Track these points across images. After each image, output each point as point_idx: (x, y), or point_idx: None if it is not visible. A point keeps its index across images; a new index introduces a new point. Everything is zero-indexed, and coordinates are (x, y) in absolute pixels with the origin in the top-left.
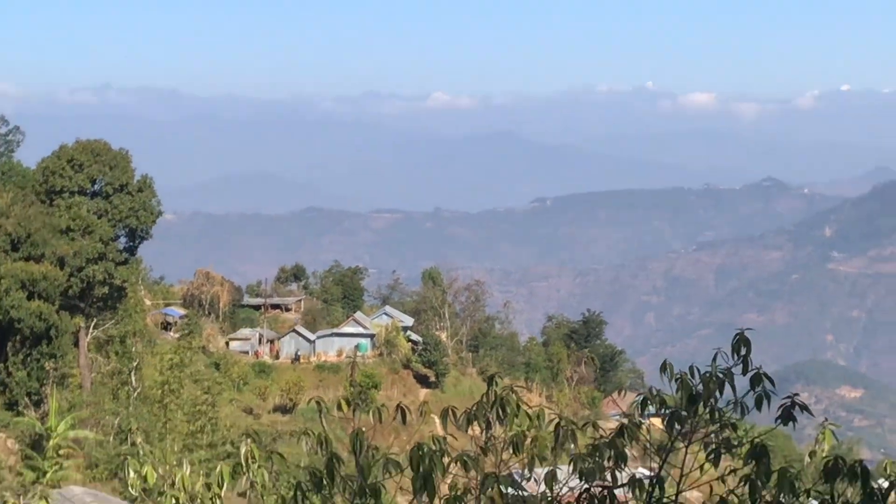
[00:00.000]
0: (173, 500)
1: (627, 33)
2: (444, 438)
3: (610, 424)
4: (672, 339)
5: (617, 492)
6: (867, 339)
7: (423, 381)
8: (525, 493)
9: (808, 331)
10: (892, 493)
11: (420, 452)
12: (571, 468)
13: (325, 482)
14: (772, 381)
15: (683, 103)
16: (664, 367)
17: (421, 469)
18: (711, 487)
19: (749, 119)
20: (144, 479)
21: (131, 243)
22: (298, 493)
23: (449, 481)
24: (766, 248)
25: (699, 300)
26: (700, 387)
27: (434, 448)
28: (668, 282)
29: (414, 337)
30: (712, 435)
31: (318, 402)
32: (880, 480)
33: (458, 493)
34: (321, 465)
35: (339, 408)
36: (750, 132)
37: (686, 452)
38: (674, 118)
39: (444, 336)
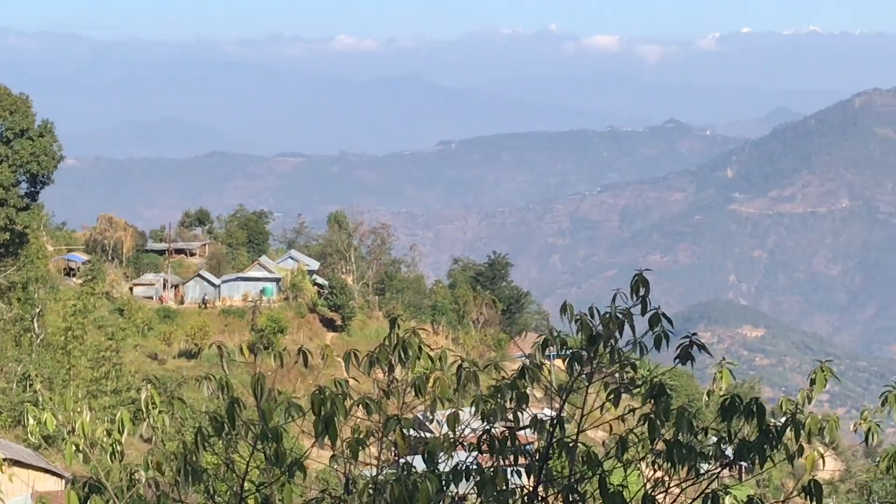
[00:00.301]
0: (73, 447)
1: None
2: (346, 381)
3: (515, 366)
4: (578, 280)
5: (520, 433)
6: (768, 279)
7: (329, 324)
8: (427, 435)
9: (711, 271)
10: (788, 430)
11: (321, 396)
12: (474, 410)
13: (226, 427)
14: (670, 322)
15: (587, 46)
16: (564, 309)
17: (322, 412)
18: (611, 427)
19: (652, 61)
20: (44, 426)
21: (32, 189)
22: (199, 438)
23: (352, 424)
24: (670, 189)
25: (604, 242)
26: (600, 328)
27: (336, 391)
28: (574, 224)
29: (320, 281)
30: (613, 375)
31: (219, 348)
32: (782, 418)
33: (361, 435)
34: (223, 410)
35: (242, 353)
36: (652, 74)
37: (587, 393)
38: (577, 61)
39: (350, 279)
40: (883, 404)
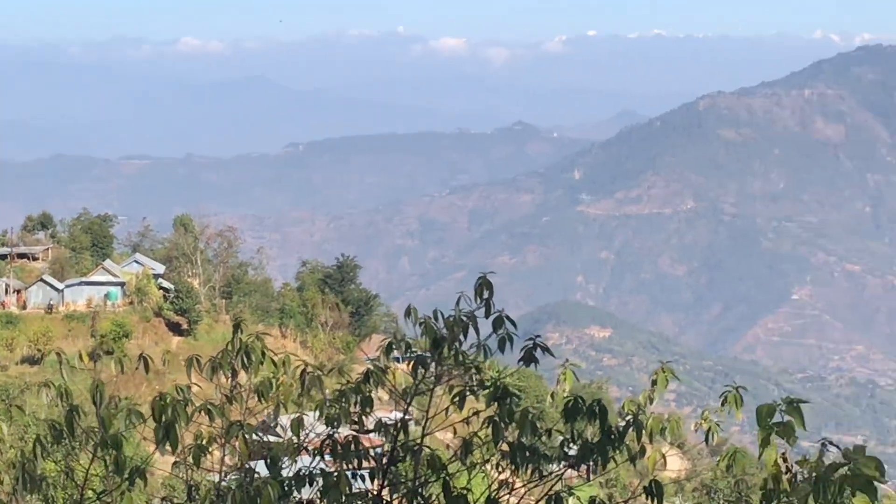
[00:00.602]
0: None
1: None
2: (189, 387)
3: (363, 369)
4: (427, 282)
5: (368, 436)
6: (615, 279)
7: (175, 328)
8: (271, 440)
9: (559, 272)
10: (631, 431)
11: (162, 402)
12: (318, 414)
13: (65, 435)
14: (514, 324)
15: (434, 48)
16: (408, 312)
17: (163, 419)
18: (455, 429)
19: (499, 64)
20: None
21: None
22: (38, 446)
23: (194, 430)
24: (518, 191)
25: (453, 243)
26: (444, 331)
27: (177, 397)
28: (423, 225)
29: (165, 284)
30: (459, 378)
31: (58, 354)
32: (628, 417)
33: (203, 441)
34: (62, 417)
35: (81, 359)
36: (500, 77)
37: (431, 396)
38: (425, 63)
39: (196, 283)
40: (723, 404)
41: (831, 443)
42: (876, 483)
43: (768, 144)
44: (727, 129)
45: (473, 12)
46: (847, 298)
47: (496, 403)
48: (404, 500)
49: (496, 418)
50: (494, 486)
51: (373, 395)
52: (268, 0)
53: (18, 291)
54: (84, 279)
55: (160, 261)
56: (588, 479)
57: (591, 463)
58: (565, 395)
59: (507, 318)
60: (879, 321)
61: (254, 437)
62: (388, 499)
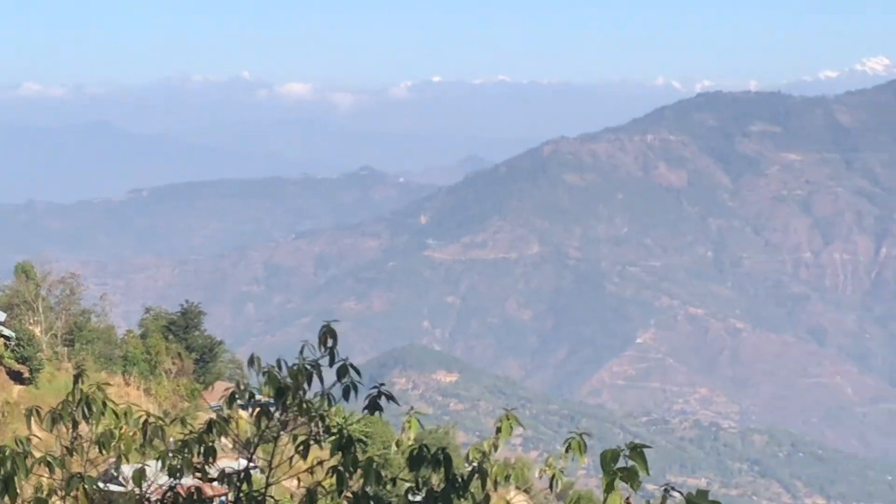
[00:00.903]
0: None
1: (223, 23)
2: (28, 439)
3: (207, 416)
4: (272, 327)
5: (214, 485)
6: (462, 324)
7: (17, 377)
8: (113, 491)
9: (406, 317)
10: (475, 478)
11: (1, 455)
12: (161, 464)
13: None
14: (358, 372)
15: (280, 93)
16: (252, 361)
17: (2, 472)
18: (300, 479)
19: (345, 109)
20: None
21: None
22: None
23: (34, 483)
24: (364, 236)
25: (299, 289)
26: (288, 379)
27: (17, 449)
28: (268, 271)
29: (6, 332)
30: (304, 426)
31: None
32: (473, 464)
33: (44, 494)
34: None
35: None
36: (346, 122)
37: (276, 444)
38: (271, 108)
39: (37, 331)
40: (567, 451)
41: (674, 488)
42: None
43: (612, 189)
44: (571, 175)
45: (319, 58)
46: (690, 342)
47: (341, 452)
48: None
49: (340, 468)
50: None
51: (217, 443)
52: (110, 45)
53: None
54: None
55: (1, 308)
56: None
57: None
58: (410, 442)
59: (352, 366)
60: (722, 364)
61: (95, 488)
62: None
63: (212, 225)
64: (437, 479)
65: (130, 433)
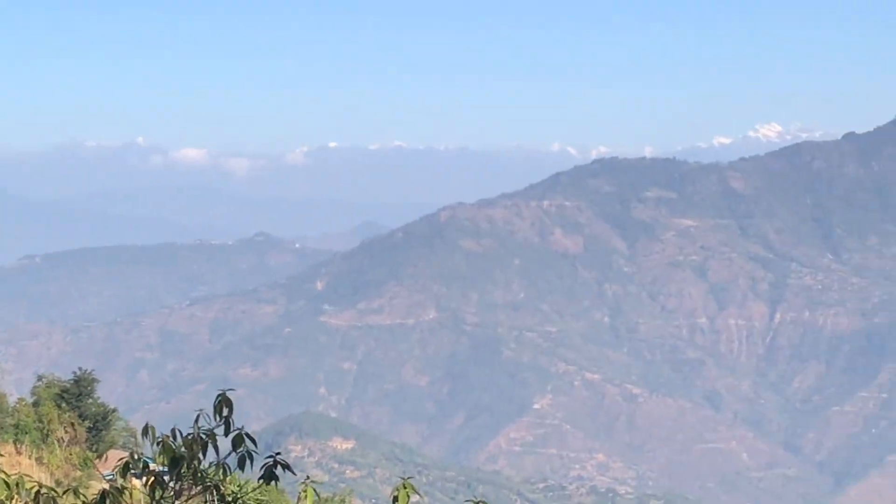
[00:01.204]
0: None
1: (116, 88)
2: None
3: (101, 486)
4: (167, 395)
5: None
6: (358, 390)
7: None
8: None
9: (302, 383)
10: None
11: None
12: None
13: None
14: (253, 441)
15: (175, 158)
16: (146, 431)
17: None
18: None
19: (241, 174)
20: None
21: None
22: None
23: None
24: (260, 302)
25: (194, 355)
26: (183, 449)
27: None
28: (163, 337)
29: None
30: (199, 495)
31: None
32: None
33: None
34: None
35: None
36: (242, 187)
37: None
38: (166, 173)
39: None
40: None
41: None
42: None
43: (509, 255)
44: (468, 240)
45: (214, 123)
46: (587, 407)
47: None
48: None
49: None
50: None
51: None
52: (1, 110)
53: None
54: None
55: None
56: None
57: None
58: None
59: (247, 435)
60: (618, 429)
61: None
62: None
63: (105, 291)
64: None
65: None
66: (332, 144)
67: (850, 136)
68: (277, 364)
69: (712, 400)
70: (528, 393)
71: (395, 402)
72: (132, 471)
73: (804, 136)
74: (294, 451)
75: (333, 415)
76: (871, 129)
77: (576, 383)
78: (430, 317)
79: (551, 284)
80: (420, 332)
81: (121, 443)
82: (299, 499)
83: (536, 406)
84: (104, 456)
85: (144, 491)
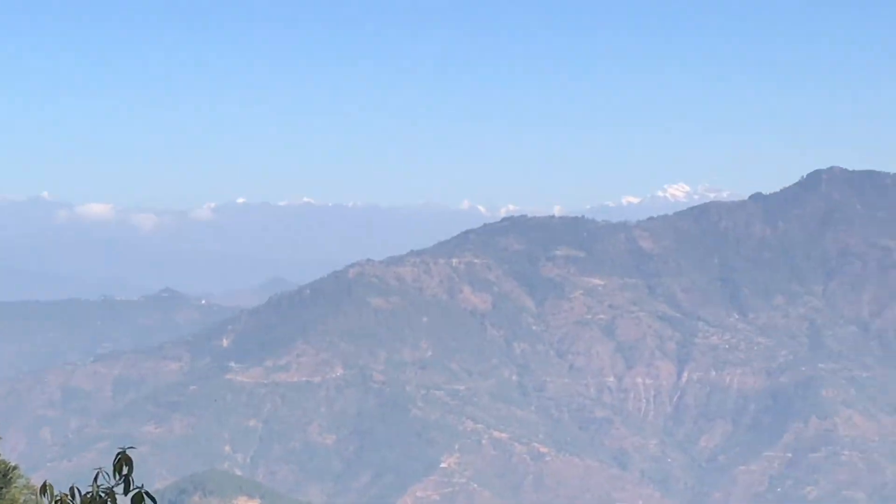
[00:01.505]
0: None
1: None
2: None
3: None
4: (70, 452)
5: None
6: (264, 448)
7: None
8: None
9: (207, 441)
10: None
11: None
12: None
13: None
14: (153, 500)
15: (81, 213)
16: (44, 490)
17: None
18: None
19: (147, 230)
20: None
21: None
22: None
23: None
24: (165, 359)
25: (97, 412)
26: None
27: None
28: (65, 394)
29: None
30: None
31: None
32: None
33: None
34: None
35: None
36: (148, 243)
37: None
38: (71, 228)
39: None
40: None
41: None
42: None
43: (417, 313)
44: (377, 298)
45: (121, 178)
46: (494, 466)
47: None
48: None
49: None
50: None
51: None
52: None
53: None
54: None
55: None
56: None
57: None
58: None
59: (147, 493)
60: (526, 488)
61: None
62: None
63: (7, 348)
64: None
65: None
66: (241, 200)
67: (756, 197)
68: (182, 421)
69: (619, 459)
70: (436, 451)
71: (301, 460)
72: None
73: (712, 196)
74: None
75: (239, 473)
76: (778, 190)
77: (483, 442)
78: (338, 374)
79: (460, 342)
80: (327, 389)
81: (21, 501)
82: None
83: (444, 465)
84: None
85: None
